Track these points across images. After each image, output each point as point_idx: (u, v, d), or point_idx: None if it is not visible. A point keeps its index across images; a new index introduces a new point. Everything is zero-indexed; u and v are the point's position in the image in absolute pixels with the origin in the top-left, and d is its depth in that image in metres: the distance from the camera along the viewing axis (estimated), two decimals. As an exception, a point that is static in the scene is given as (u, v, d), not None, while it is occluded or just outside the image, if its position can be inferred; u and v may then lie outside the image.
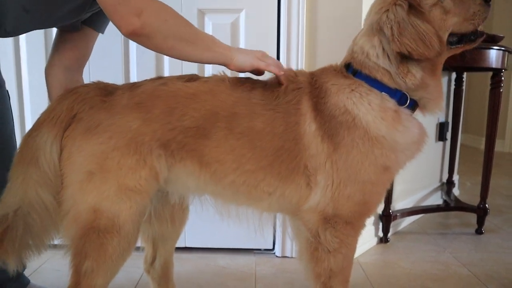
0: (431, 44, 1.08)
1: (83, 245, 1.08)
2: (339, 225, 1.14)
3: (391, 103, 1.14)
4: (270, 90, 1.17)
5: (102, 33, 1.44)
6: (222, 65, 1.17)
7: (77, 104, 1.12)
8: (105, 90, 1.15)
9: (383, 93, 1.14)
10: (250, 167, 1.14)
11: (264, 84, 1.20)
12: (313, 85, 1.17)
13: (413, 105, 1.17)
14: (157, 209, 1.34)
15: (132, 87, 1.16)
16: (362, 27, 1.23)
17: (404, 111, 1.15)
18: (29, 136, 1.12)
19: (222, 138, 1.12)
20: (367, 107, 1.12)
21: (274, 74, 1.17)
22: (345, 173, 1.11)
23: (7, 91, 1.37)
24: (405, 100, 1.15)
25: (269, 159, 1.13)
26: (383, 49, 1.12)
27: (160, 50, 1.15)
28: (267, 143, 1.12)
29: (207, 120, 1.12)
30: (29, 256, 1.15)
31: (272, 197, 1.17)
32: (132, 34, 1.07)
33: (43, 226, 1.12)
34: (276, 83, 1.19)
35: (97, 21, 1.38)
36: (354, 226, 1.16)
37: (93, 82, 1.20)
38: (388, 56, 1.12)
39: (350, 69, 1.18)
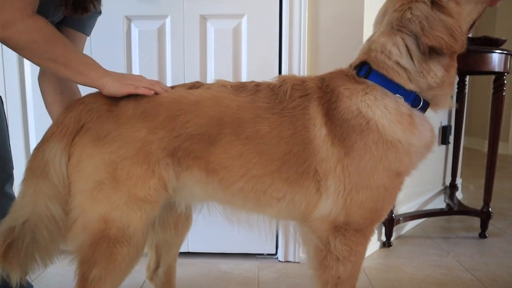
0: (458, 36, 1.08)
1: (93, 254, 1.08)
2: (349, 232, 1.13)
3: (405, 107, 1.13)
4: (275, 94, 1.16)
5: (88, 35, 1.45)
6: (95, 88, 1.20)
7: (84, 114, 1.12)
8: (110, 99, 1.15)
9: (397, 95, 1.13)
10: (257, 172, 1.13)
11: (268, 87, 1.19)
12: (323, 90, 1.16)
13: (425, 107, 1.17)
14: (161, 216, 1.33)
15: (137, 96, 1.16)
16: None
17: (417, 114, 1.15)
18: (38, 149, 1.12)
19: (228, 144, 1.12)
20: (383, 111, 1.11)
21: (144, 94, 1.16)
22: (357, 178, 1.09)
23: (0, 97, 1.38)
24: (419, 102, 1.14)
25: (277, 163, 1.12)
26: (407, 47, 1.11)
27: (33, 63, 1.18)
28: (274, 147, 1.11)
29: (212, 126, 1.11)
30: (34, 269, 1.14)
31: (281, 203, 1.16)
32: None
33: (51, 239, 1.11)
34: (278, 87, 1.17)
35: (79, 23, 1.38)
36: (364, 233, 1.15)
37: (98, 91, 1.19)
38: (410, 55, 1.12)
39: (363, 71, 1.17)
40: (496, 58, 2.20)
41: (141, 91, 1.16)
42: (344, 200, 1.10)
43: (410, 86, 1.13)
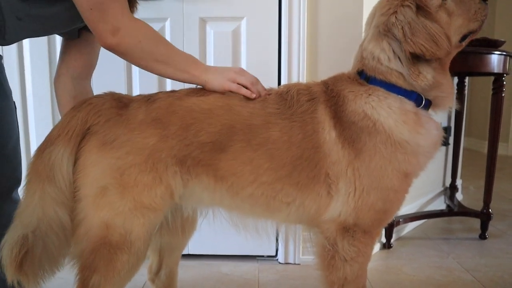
0: (441, 43, 1.08)
1: (93, 260, 1.07)
2: (357, 234, 1.13)
3: (410, 105, 1.13)
4: (284, 99, 1.16)
5: None
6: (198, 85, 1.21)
7: (92, 116, 1.10)
8: (120, 102, 1.14)
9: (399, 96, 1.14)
10: (268, 178, 1.12)
11: (277, 92, 1.19)
12: (328, 94, 1.17)
13: (428, 105, 1.17)
14: (169, 221, 1.31)
15: (147, 101, 1.14)
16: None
17: (422, 112, 1.15)
18: (43, 151, 1.09)
19: (238, 150, 1.11)
20: (387, 111, 1.11)
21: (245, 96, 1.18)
22: (367, 180, 1.10)
23: (14, 102, 1.38)
24: (421, 101, 1.15)
25: (288, 168, 1.12)
26: (394, 51, 1.12)
27: (137, 66, 1.19)
28: (285, 152, 1.11)
29: (224, 134, 1.11)
30: (45, 278, 1.12)
31: (291, 207, 1.16)
32: (109, 49, 1.14)
33: (60, 247, 1.10)
34: (286, 93, 1.18)
35: None
36: (372, 234, 1.16)
37: (106, 92, 1.18)
38: (399, 58, 1.12)
39: (363, 76, 1.18)
40: (495, 59, 2.20)
41: (243, 92, 1.17)
42: (355, 202, 1.11)
43: (409, 87, 1.14)
